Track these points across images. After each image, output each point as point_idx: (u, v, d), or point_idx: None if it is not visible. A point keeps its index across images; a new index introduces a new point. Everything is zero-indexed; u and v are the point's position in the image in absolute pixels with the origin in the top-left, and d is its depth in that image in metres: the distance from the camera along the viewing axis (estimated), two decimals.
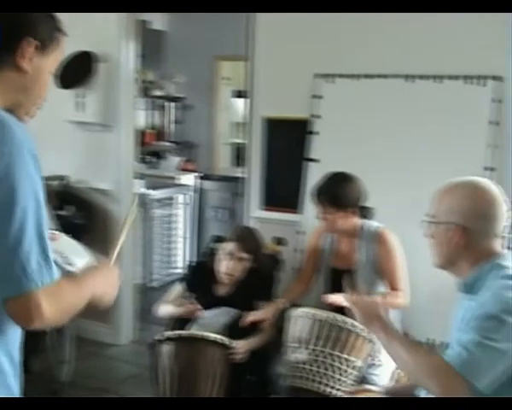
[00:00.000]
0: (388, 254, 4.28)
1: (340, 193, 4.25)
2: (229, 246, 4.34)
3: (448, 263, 2.77)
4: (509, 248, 2.81)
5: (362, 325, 2.81)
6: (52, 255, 1.89)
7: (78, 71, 5.83)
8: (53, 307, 1.86)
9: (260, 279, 4.41)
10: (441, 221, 2.72)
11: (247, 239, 4.38)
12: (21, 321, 1.87)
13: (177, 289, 4.57)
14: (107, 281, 2.30)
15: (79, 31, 4.99)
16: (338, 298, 4.00)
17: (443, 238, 2.72)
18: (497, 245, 2.71)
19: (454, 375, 2.44)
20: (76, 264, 3.39)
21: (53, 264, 1.89)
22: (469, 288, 2.71)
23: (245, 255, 4.32)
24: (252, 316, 4.13)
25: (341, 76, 5.12)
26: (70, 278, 2.04)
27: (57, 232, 3.34)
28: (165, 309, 4.43)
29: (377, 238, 4.30)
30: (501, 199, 2.70)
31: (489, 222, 2.67)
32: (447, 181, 2.80)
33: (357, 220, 4.34)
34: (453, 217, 2.67)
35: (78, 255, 3.85)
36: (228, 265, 4.31)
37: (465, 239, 2.66)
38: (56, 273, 1.89)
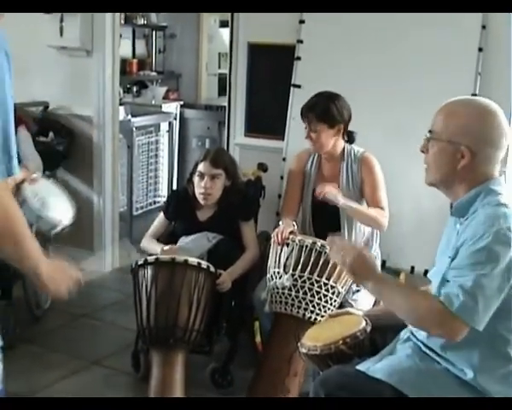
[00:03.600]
0: (371, 178, 4.25)
1: (327, 108, 4.21)
2: (200, 166, 4.31)
3: (444, 183, 2.71)
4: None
5: (349, 277, 2.76)
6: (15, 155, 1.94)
7: None
8: None
9: (239, 200, 4.38)
10: (451, 140, 2.62)
11: (216, 155, 4.35)
12: None
13: (159, 218, 4.55)
14: (52, 268, 2.23)
15: None
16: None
17: (448, 158, 2.64)
18: (496, 171, 2.67)
19: (452, 319, 2.46)
20: (52, 207, 3.28)
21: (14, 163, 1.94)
22: (460, 211, 2.68)
23: (216, 171, 4.28)
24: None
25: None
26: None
27: (37, 175, 3.24)
28: (147, 245, 4.42)
29: (360, 162, 4.28)
30: (508, 126, 2.65)
31: (496, 149, 2.62)
32: (454, 98, 2.73)
33: (341, 143, 4.31)
34: (464, 139, 2.59)
35: (55, 199, 3.75)
36: (202, 184, 4.28)
37: (470, 163, 2.60)
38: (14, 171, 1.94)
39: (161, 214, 4.56)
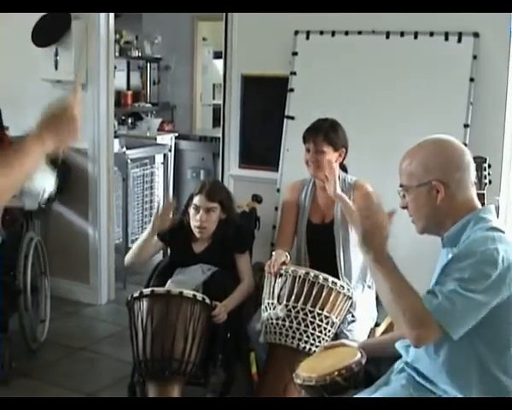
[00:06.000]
0: None
1: (334, 131, 4.27)
2: (196, 199, 4.32)
3: (433, 224, 2.74)
4: (483, 204, 2.79)
5: (359, 241, 2.60)
6: None
7: (53, 28, 5.77)
8: None
9: (235, 232, 4.39)
10: (420, 183, 2.67)
11: (212, 189, 4.35)
12: None
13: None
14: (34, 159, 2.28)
15: None
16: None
17: (425, 200, 2.68)
18: (474, 195, 2.71)
19: (430, 321, 2.46)
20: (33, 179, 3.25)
21: None
22: (452, 241, 2.70)
23: (212, 205, 4.29)
24: None
25: (318, 32, 5.06)
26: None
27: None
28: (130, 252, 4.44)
29: (354, 190, 4.29)
30: (466, 149, 2.72)
31: (463, 171, 2.66)
32: (406, 150, 2.78)
33: (338, 171, 4.33)
34: (431, 175, 2.64)
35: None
36: (197, 217, 4.29)
37: (447, 194, 2.64)
38: None
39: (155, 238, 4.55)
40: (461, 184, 2.67)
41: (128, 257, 4.48)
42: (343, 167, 4.43)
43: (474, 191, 2.72)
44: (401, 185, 2.76)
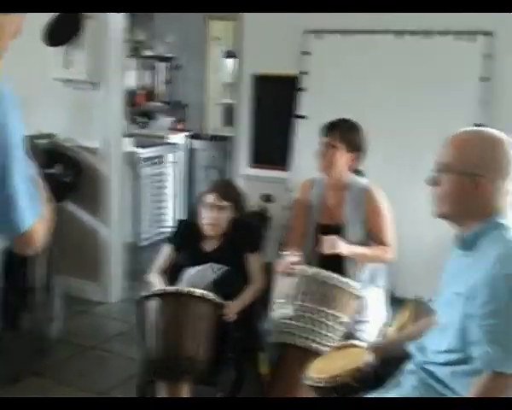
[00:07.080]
0: (376, 211, 4.24)
1: (352, 131, 4.24)
2: (208, 197, 4.33)
3: (455, 214, 2.67)
4: None
5: None
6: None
7: (65, 28, 5.78)
8: (40, 232, 2.19)
9: (245, 231, 4.40)
10: (465, 171, 2.58)
11: (225, 188, 4.39)
12: (27, 248, 2.20)
13: (166, 249, 4.55)
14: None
15: None
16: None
17: (460, 189, 2.60)
18: (505, 204, 2.64)
19: (495, 380, 2.45)
20: None
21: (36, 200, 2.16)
22: (468, 244, 2.66)
23: (224, 203, 4.30)
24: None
25: (329, 32, 5.06)
26: None
27: None
28: (156, 283, 4.42)
29: (365, 195, 4.26)
30: None
31: (504, 179, 2.60)
32: (462, 129, 2.70)
33: (348, 174, 4.31)
34: (480, 169, 2.56)
35: None
36: (209, 215, 4.30)
37: (485, 194, 2.58)
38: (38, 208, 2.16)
39: (166, 245, 4.56)
40: (499, 191, 2.60)
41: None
42: (359, 173, 4.39)
43: (506, 201, 2.64)
44: (443, 164, 2.65)
